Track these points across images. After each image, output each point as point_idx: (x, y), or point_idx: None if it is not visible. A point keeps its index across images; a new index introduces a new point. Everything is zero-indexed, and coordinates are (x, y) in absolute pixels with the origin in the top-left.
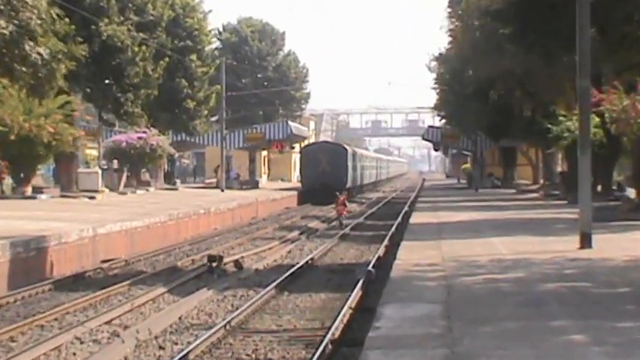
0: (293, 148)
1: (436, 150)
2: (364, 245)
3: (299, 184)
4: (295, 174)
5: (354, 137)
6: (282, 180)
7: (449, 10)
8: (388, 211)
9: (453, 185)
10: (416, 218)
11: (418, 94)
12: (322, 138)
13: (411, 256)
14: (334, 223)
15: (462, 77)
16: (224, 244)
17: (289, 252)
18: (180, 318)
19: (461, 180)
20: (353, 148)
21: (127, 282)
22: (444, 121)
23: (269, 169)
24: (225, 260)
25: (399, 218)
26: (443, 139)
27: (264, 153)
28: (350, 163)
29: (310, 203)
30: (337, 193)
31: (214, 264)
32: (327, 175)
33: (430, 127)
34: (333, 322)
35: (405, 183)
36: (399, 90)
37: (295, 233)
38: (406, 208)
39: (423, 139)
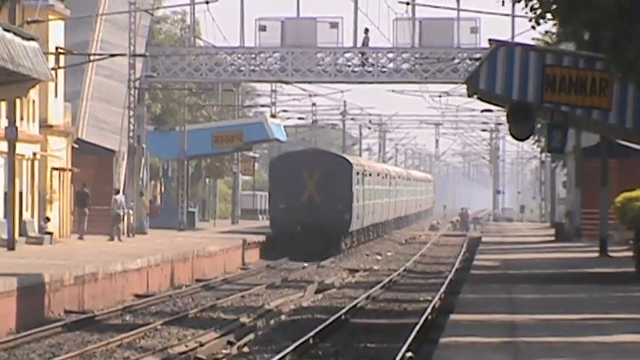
0: None
1: (520, 138)
2: None
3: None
4: None
5: (218, 69)
6: None
7: None
8: None
9: (574, 262)
10: None
11: None
12: (106, 74)
13: None
14: None
15: None
16: None
17: None
18: None
19: (611, 247)
20: (358, 159)
21: None
22: (551, 26)
23: None
24: None
25: None
26: (547, 92)
27: None
28: (356, 187)
29: (288, 258)
30: None
31: None
32: (315, 208)
33: (498, 44)
34: None
35: (410, 251)
36: None
37: None
38: None
39: (471, 93)
